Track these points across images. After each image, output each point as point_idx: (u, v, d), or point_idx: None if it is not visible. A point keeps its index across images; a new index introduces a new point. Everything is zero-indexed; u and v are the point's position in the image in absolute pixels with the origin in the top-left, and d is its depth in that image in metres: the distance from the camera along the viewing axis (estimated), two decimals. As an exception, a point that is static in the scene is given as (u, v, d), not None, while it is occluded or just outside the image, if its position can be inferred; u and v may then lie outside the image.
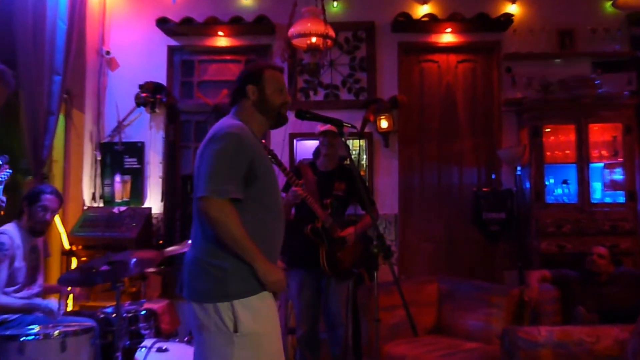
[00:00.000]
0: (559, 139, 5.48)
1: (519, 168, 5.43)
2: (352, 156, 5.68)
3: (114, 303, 3.68)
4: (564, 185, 5.43)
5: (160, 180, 5.80)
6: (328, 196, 4.20)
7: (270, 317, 2.43)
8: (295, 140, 5.73)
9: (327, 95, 5.87)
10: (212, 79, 6.02)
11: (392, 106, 5.66)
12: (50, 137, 4.71)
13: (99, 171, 5.78)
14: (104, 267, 3.62)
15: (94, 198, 5.73)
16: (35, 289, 3.85)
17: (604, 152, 5.44)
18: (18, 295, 3.70)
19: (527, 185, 5.45)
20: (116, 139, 5.84)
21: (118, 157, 5.82)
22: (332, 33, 4.97)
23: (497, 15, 5.70)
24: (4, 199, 3.16)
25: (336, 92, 5.87)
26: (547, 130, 5.44)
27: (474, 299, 4.35)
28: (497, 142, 5.75)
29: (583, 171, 5.31)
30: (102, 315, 3.84)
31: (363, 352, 4.50)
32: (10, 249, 3.65)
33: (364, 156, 5.76)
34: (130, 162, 5.82)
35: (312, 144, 5.37)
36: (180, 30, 5.82)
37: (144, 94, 5.66)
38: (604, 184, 5.47)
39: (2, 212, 3.16)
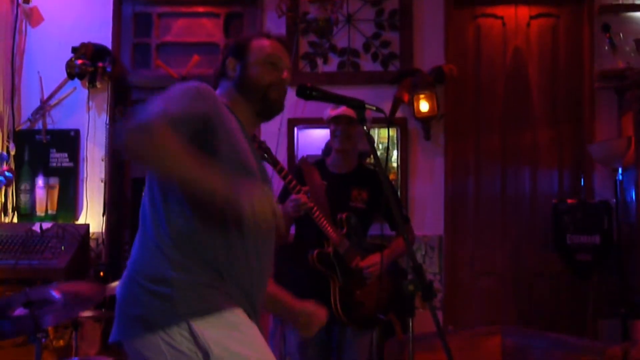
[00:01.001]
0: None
1: (619, 171, 5.41)
2: (378, 153, 5.66)
3: (33, 363, 3.65)
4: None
5: (102, 185, 5.80)
6: (343, 209, 4.19)
7: (253, 339, 2.40)
8: (296, 129, 5.73)
9: (342, 64, 5.87)
10: (177, 40, 6.03)
11: (435, 81, 5.64)
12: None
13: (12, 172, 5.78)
14: (19, 311, 3.59)
15: (4, 210, 5.73)
16: None
17: None
18: None
19: (633, 195, 5.42)
20: (38, 126, 5.85)
21: (41, 151, 5.82)
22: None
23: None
24: None
25: (355, 60, 5.86)
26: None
27: (555, 361, 4.32)
28: (588, 134, 5.73)
29: None
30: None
31: None
32: None
33: (395, 152, 5.75)
34: (58, 158, 5.82)
35: (321, 134, 5.35)
36: (131, -31, 5.86)
37: (79, 61, 5.65)
38: None
39: None
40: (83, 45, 5.70)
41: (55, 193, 5.79)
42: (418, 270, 2.69)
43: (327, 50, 5.87)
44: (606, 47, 5.77)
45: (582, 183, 5.74)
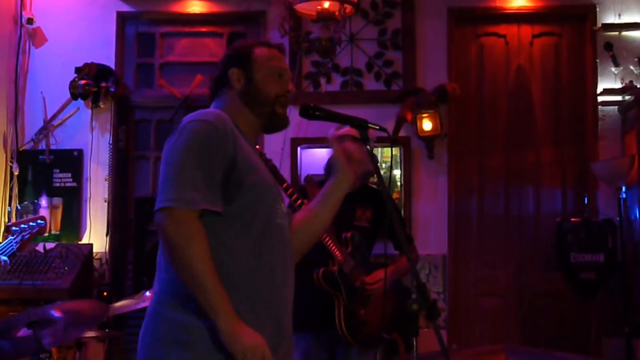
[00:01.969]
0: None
1: (623, 189, 5.40)
2: (382, 172, 5.67)
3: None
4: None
5: (106, 205, 5.81)
6: (347, 228, 4.18)
7: None
8: (299, 149, 5.75)
9: (345, 83, 5.89)
10: (181, 60, 6.05)
11: (438, 100, 5.66)
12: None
13: (15, 191, 5.80)
14: (22, 332, 3.59)
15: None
16: None
17: None
18: None
19: (637, 213, 5.41)
20: (42, 146, 5.87)
21: (44, 171, 5.84)
22: (353, -6, 5.00)
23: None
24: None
25: (358, 80, 5.88)
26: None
27: (559, 380, 4.31)
28: (592, 152, 5.74)
29: None
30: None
31: None
32: None
33: (399, 172, 5.76)
34: (62, 178, 5.84)
35: (324, 153, 5.35)
36: (135, -11, 5.90)
37: (82, 81, 5.67)
38: None
39: None
40: (86, 65, 5.72)
41: (59, 213, 5.79)
42: (422, 290, 2.68)
43: (330, 69, 5.89)
44: (610, 67, 5.79)
45: (586, 202, 5.72)
